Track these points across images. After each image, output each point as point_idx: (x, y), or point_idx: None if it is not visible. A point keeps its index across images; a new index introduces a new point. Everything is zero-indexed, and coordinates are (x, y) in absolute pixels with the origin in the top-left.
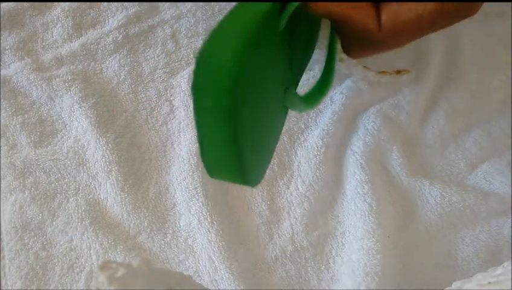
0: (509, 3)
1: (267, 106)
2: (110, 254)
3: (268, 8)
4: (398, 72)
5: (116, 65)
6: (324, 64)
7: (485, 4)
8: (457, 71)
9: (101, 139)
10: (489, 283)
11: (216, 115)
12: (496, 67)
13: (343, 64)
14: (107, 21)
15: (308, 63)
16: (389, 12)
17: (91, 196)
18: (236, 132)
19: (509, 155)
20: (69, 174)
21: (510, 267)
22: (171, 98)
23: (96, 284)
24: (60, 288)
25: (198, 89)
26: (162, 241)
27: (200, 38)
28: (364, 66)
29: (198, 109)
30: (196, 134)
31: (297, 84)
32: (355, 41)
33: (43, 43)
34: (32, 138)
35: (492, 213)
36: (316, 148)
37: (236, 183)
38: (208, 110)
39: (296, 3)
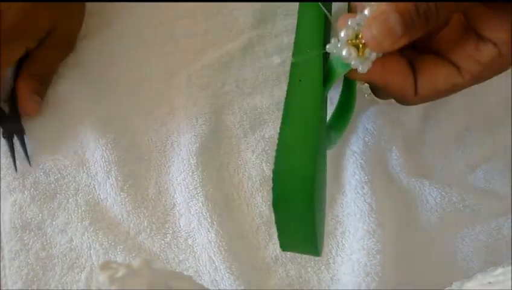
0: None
1: (323, 177)
2: (110, 254)
3: (320, 98)
4: None
5: None
6: (341, 93)
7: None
8: None
9: (100, 139)
10: (489, 283)
11: (299, 219)
12: None
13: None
14: None
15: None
16: (425, 82)
17: (91, 196)
18: (315, 223)
19: (509, 155)
20: (69, 174)
21: (510, 267)
22: (171, 98)
23: (96, 284)
24: (60, 288)
25: (279, 200)
26: (162, 242)
27: (200, 38)
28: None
29: (280, 217)
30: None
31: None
32: (388, 96)
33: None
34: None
35: (492, 213)
36: None
37: (307, 254)
38: (290, 217)
39: (340, 76)
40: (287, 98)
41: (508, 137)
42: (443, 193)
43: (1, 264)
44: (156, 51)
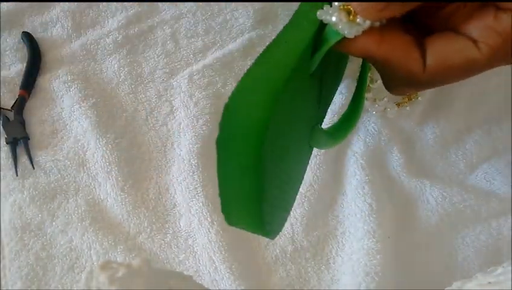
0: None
1: (294, 151)
2: (110, 254)
3: (300, 52)
4: (410, 98)
5: (116, 65)
6: (353, 95)
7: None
8: None
9: (101, 140)
10: (489, 283)
11: (242, 167)
12: (496, 67)
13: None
14: (106, 21)
15: (334, 94)
16: (435, 54)
17: (91, 196)
18: (262, 184)
19: (509, 155)
20: (69, 174)
21: (510, 267)
22: (171, 99)
23: (96, 284)
24: (60, 288)
25: (224, 139)
26: (162, 241)
27: (200, 38)
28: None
29: (222, 159)
30: (218, 183)
31: (323, 120)
32: (397, 80)
33: (43, 43)
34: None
35: (493, 213)
36: (316, 148)
37: (254, 233)
38: (233, 162)
39: (330, 45)
40: (267, 47)
41: (508, 137)
42: (444, 193)
43: (1, 264)
44: (156, 50)
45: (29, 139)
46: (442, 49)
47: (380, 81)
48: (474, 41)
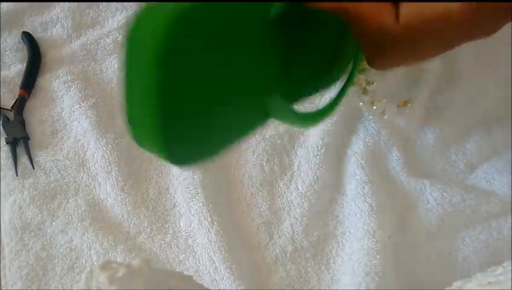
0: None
1: (225, 94)
2: (110, 254)
3: None
4: (406, 102)
5: (116, 65)
6: (339, 90)
7: None
8: (456, 71)
9: (101, 140)
10: (489, 283)
11: (143, 66)
12: (496, 67)
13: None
14: (106, 21)
15: (322, 86)
16: (409, 6)
17: (91, 196)
18: (161, 89)
19: (509, 155)
20: (69, 174)
21: (510, 267)
22: None
23: (96, 284)
24: (60, 288)
25: (133, 38)
26: (162, 242)
27: None
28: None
29: (128, 58)
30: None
31: (296, 99)
32: (375, 46)
33: (43, 43)
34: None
35: (493, 213)
36: (316, 148)
37: (158, 154)
38: (136, 61)
39: None
40: None
41: (508, 137)
42: (444, 193)
43: (1, 264)
44: None
45: (29, 139)
46: (416, 2)
47: (376, 83)
48: None
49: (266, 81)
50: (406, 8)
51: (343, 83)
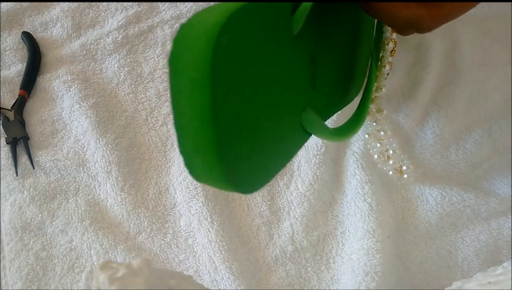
0: (509, 3)
1: (271, 110)
2: (110, 254)
3: None
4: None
5: (115, 65)
6: (360, 101)
7: (484, 4)
8: (456, 71)
9: (101, 140)
10: (489, 282)
11: (191, 80)
12: (495, 67)
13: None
14: (106, 21)
15: (347, 98)
16: None
17: (91, 196)
18: (215, 122)
19: (509, 155)
20: (69, 174)
21: (510, 267)
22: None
23: (96, 284)
24: (60, 288)
25: (176, 54)
26: (162, 241)
27: None
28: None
29: (173, 74)
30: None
31: (328, 114)
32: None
33: (43, 43)
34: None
35: (493, 213)
36: (316, 148)
37: (222, 184)
38: (184, 76)
39: (308, 5)
40: None
41: (508, 137)
42: (443, 193)
43: (1, 264)
44: (156, 50)
45: (29, 139)
46: None
47: (384, 89)
48: None
49: (300, 96)
50: None
51: (362, 97)
